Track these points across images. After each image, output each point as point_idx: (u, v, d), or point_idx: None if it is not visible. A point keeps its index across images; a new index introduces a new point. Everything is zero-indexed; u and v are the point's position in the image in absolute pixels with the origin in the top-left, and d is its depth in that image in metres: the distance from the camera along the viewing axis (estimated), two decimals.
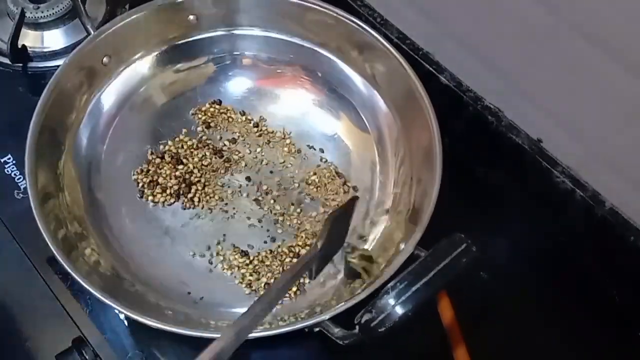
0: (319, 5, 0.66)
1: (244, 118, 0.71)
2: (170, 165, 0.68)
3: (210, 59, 0.72)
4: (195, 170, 0.68)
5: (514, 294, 0.65)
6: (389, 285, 0.49)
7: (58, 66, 0.63)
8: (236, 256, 0.64)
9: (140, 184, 0.67)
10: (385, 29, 0.70)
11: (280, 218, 0.66)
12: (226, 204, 0.67)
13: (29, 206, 0.56)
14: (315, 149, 0.70)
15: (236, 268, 0.63)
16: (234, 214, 0.66)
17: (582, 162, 0.61)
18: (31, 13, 0.74)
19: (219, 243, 0.65)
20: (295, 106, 0.72)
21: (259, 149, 0.70)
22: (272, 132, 0.71)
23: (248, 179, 0.68)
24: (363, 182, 0.68)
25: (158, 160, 0.68)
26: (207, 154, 0.69)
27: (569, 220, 0.63)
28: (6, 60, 0.74)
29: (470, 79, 0.66)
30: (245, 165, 0.69)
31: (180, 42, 0.71)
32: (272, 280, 0.63)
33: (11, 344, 0.61)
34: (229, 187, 0.68)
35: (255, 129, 0.71)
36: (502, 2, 0.58)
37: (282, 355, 0.62)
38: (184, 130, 0.70)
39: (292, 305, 0.62)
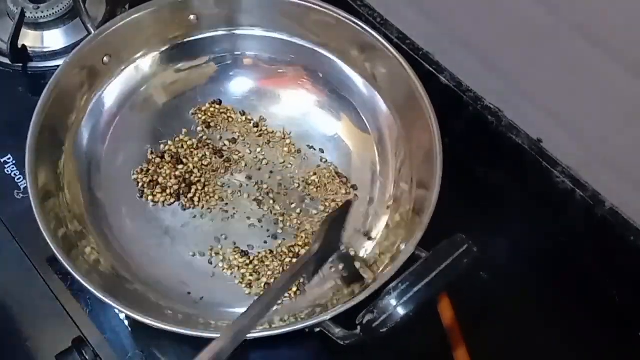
0: (320, 6, 0.66)
1: (244, 118, 0.71)
2: (170, 165, 0.68)
3: (211, 59, 0.72)
4: (195, 170, 0.68)
5: (514, 294, 0.65)
6: (391, 285, 0.49)
7: (58, 66, 0.62)
8: (236, 256, 0.64)
9: (140, 184, 0.67)
10: (385, 29, 0.70)
11: (280, 218, 0.66)
12: (226, 204, 0.67)
13: (29, 206, 0.56)
14: (315, 149, 0.70)
15: (236, 268, 0.63)
16: (234, 214, 0.66)
17: (582, 162, 0.61)
18: (31, 13, 0.74)
19: (219, 243, 0.65)
20: (296, 107, 0.72)
21: (259, 149, 0.70)
22: (272, 132, 0.71)
23: (248, 178, 0.68)
24: (363, 182, 0.68)
25: (158, 159, 0.68)
26: (207, 153, 0.69)
27: (569, 220, 0.64)
28: (6, 60, 0.74)
29: (470, 79, 0.66)
30: (245, 165, 0.69)
31: (181, 41, 0.71)
32: (272, 280, 0.63)
33: (11, 344, 0.61)
34: (229, 187, 0.68)
35: (255, 129, 0.71)
36: (502, 2, 0.58)
37: (282, 355, 0.62)
38: (184, 130, 0.70)
39: (292, 305, 0.62)
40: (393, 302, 0.48)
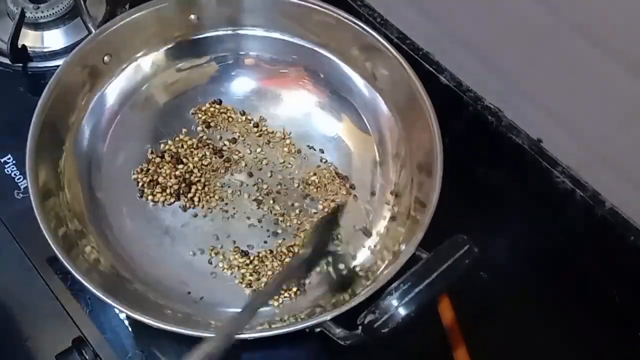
0: (322, 7, 0.66)
1: (244, 118, 0.71)
2: (170, 164, 0.68)
3: (212, 59, 0.72)
4: (195, 170, 0.68)
5: (514, 294, 0.65)
6: (392, 286, 0.49)
7: (58, 66, 0.62)
8: (236, 256, 0.64)
9: (140, 184, 0.67)
10: (385, 29, 0.70)
11: (280, 218, 0.66)
12: (226, 203, 0.67)
13: (29, 206, 0.56)
14: (315, 150, 0.70)
15: (236, 268, 0.63)
16: (234, 213, 0.66)
17: (582, 162, 0.61)
18: (31, 13, 0.74)
19: (219, 243, 0.65)
20: (297, 107, 0.72)
21: (259, 149, 0.70)
22: (272, 132, 0.71)
23: (248, 178, 0.68)
24: (363, 182, 0.68)
25: (158, 159, 0.68)
26: (207, 153, 0.69)
27: (569, 220, 0.64)
28: (6, 60, 0.74)
29: (470, 79, 0.66)
30: (246, 165, 0.69)
31: (182, 40, 0.71)
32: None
33: (11, 344, 0.60)
34: (229, 187, 0.68)
35: (255, 129, 0.71)
36: (502, 2, 0.58)
37: (282, 355, 0.62)
38: (184, 130, 0.70)
39: (292, 305, 0.62)
40: (394, 302, 0.48)
